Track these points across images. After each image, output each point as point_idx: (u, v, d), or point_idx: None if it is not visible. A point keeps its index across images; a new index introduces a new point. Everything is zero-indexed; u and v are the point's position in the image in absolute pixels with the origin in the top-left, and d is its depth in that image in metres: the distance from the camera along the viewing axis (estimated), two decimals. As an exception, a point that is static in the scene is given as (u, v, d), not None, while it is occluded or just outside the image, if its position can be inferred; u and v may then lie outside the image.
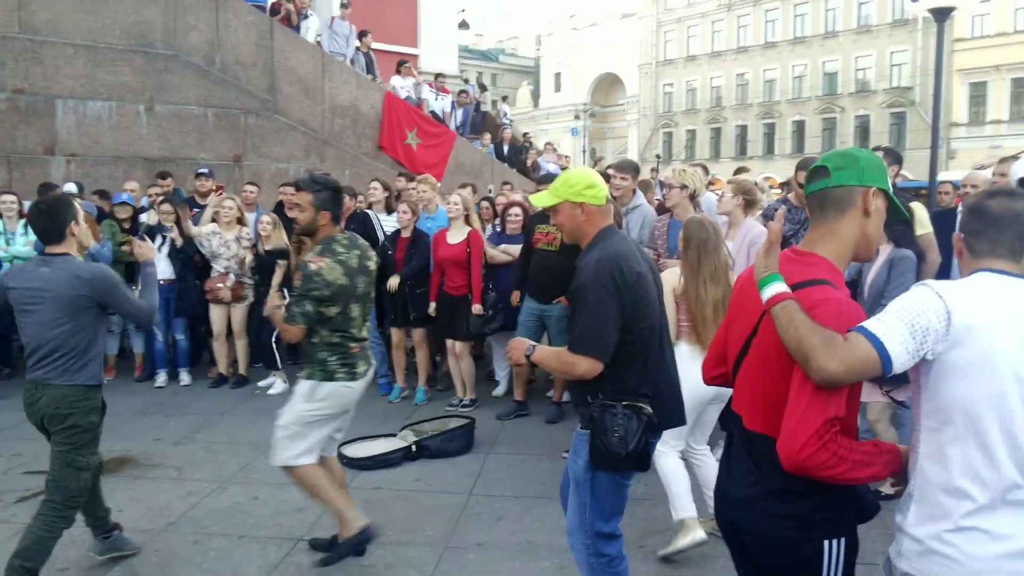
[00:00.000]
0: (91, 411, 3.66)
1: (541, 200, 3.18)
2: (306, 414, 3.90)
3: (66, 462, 3.61)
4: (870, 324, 1.86)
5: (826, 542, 2.00)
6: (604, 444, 2.90)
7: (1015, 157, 5.74)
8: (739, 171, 7.59)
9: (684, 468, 4.25)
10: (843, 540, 2.02)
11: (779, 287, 1.97)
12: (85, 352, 3.60)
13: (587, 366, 2.86)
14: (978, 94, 38.92)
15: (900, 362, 1.82)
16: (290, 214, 7.07)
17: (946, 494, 1.84)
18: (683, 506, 4.12)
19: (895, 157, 4.31)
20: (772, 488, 2.03)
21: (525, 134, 18.37)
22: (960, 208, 6.70)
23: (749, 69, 48.44)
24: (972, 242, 2.00)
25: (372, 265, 4.03)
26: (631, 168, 6.48)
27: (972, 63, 36.13)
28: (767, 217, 5.23)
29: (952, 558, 1.82)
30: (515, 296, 6.69)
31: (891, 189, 2.08)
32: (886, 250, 4.69)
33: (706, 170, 7.21)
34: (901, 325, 1.82)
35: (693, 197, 5.62)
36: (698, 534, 4.06)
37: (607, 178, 6.54)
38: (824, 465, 1.84)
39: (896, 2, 41.43)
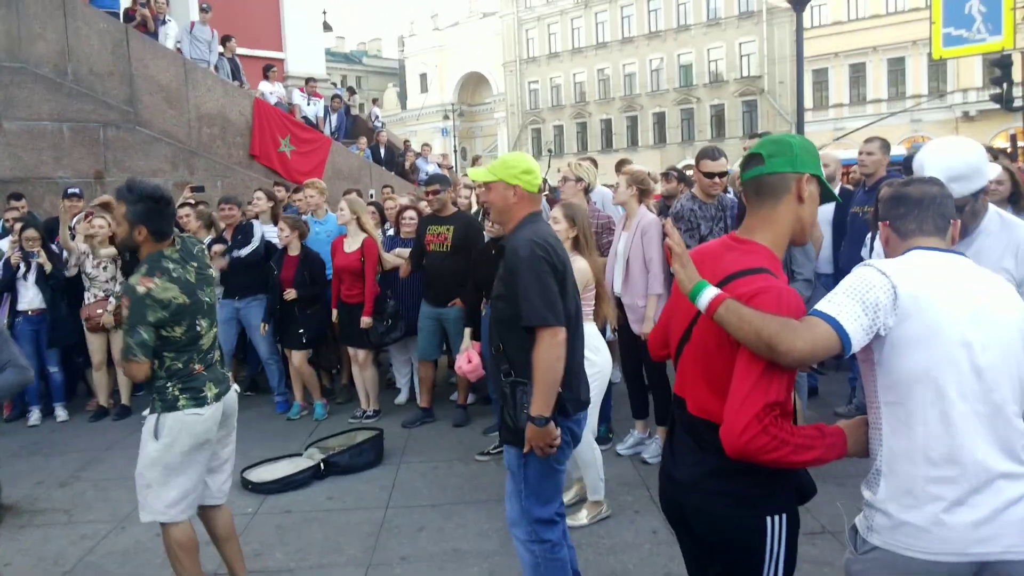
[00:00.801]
0: None
1: (477, 174, 3.23)
2: (157, 456, 3.35)
3: None
4: (823, 306, 1.93)
5: (768, 518, 2.05)
6: (512, 419, 2.98)
7: (877, 138, 6.11)
8: (621, 164, 7.75)
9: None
10: (784, 516, 2.07)
11: (711, 292, 2.00)
12: None
13: (557, 337, 2.90)
14: (820, 80, 41.51)
15: (857, 339, 1.90)
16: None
17: (913, 465, 1.91)
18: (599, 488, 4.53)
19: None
20: (713, 467, 2.07)
21: (406, 141, 18.20)
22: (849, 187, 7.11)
23: (609, 64, 49.81)
24: (899, 225, 2.13)
25: (214, 272, 3.68)
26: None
27: (814, 51, 38.41)
28: (678, 218, 5.36)
29: (923, 528, 1.89)
30: (404, 267, 6.59)
31: (822, 174, 2.15)
32: None
33: (595, 164, 7.32)
34: (853, 303, 1.91)
35: (587, 189, 5.72)
36: (603, 512, 4.56)
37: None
38: (765, 448, 1.88)
39: (742, -5, 43.64)
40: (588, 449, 4.40)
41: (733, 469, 2.01)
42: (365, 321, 6.50)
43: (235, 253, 6.95)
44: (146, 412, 3.46)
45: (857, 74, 40.88)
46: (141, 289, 3.23)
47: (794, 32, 9.99)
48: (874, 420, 2.02)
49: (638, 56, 48.48)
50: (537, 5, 52.59)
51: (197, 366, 3.43)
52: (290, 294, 6.66)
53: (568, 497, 4.69)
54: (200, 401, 3.41)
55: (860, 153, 6.05)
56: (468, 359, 5.48)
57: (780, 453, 1.89)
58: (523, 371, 2.97)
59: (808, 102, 40.21)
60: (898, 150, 12.88)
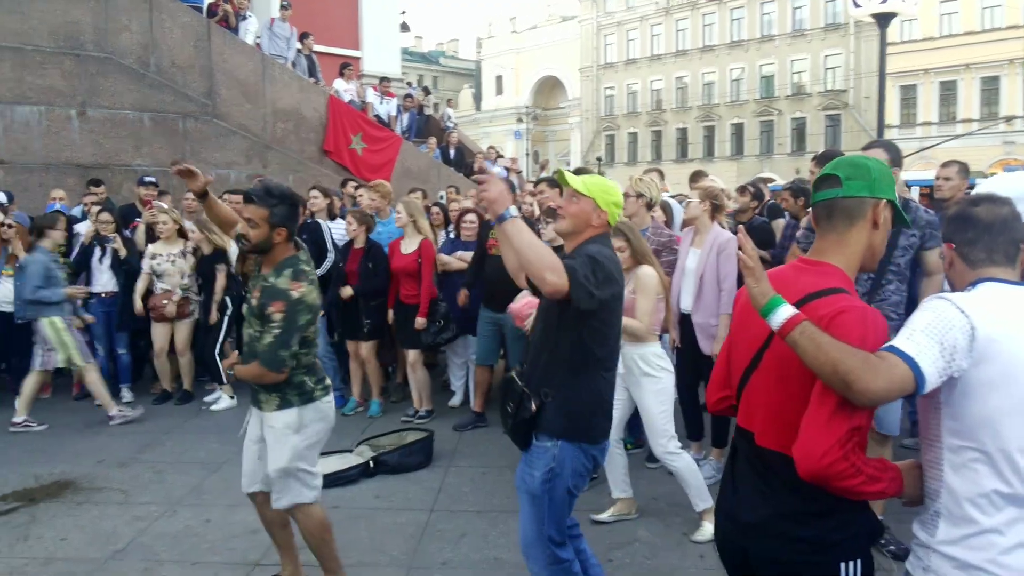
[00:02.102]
0: None
1: (573, 180, 3.08)
2: (304, 447, 3.53)
3: None
4: (902, 343, 1.81)
5: (842, 564, 1.94)
6: (504, 411, 3.10)
7: (956, 162, 5.80)
8: (696, 176, 7.56)
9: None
10: (859, 561, 1.96)
11: (787, 311, 1.87)
12: None
13: (557, 279, 2.64)
14: (908, 96, 40.13)
15: (931, 383, 1.79)
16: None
17: (977, 509, 1.81)
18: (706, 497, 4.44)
19: (896, 157, 4.16)
20: (787, 509, 1.97)
21: (490, 147, 18.23)
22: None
23: (688, 72, 49.14)
24: (966, 251, 1.99)
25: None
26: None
27: (903, 66, 37.21)
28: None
29: (982, 568, 1.80)
30: (463, 295, 6.57)
31: (897, 199, 2.05)
32: None
33: (661, 175, 7.17)
34: (931, 343, 1.79)
35: (650, 206, 5.59)
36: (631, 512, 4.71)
37: (558, 185, 6.49)
38: (843, 475, 1.79)
39: (830, 6, 42.55)
40: (617, 453, 4.62)
41: (810, 512, 1.92)
42: (419, 322, 6.49)
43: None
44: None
45: (948, 92, 39.37)
46: (295, 294, 3.34)
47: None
48: (933, 459, 1.90)
49: (718, 65, 47.71)
50: (617, 11, 52.25)
51: (315, 359, 3.64)
52: (346, 292, 6.71)
53: (606, 516, 4.67)
54: (327, 389, 3.65)
55: (937, 177, 5.75)
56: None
57: (855, 482, 1.80)
58: (542, 386, 2.98)
59: (895, 119, 39.01)
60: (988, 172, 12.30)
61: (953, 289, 2.04)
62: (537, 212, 7.54)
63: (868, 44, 39.67)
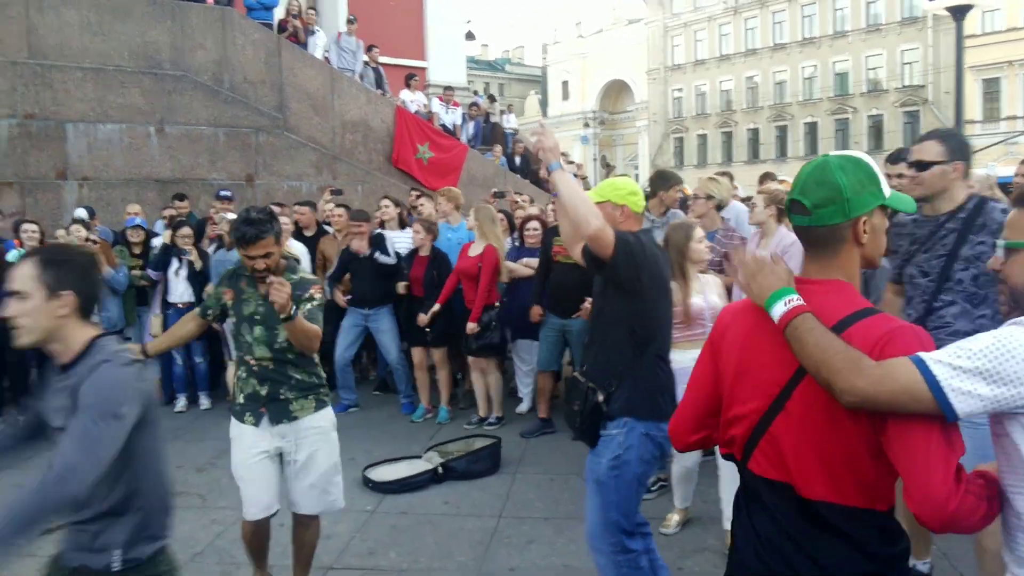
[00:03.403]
0: None
1: (593, 196, 3.28)
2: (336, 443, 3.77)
3: None
4: (930, 356, 1.62)
5: None
6: (570, 411, 3.23)
7: None
8: (764, 178, 7.41)
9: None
10: None
11: (791, 300, 1.76)
12: None
13: (600, 224, 2.85)
14: (991, 90, 38.59)
15: (963, 405, 1.58)
16: (354, 245, 7.01)
17: None
18: None
19: (958, 149, 3.90)
20: (869, 570, 1.74)
21: (565, 155, 18.15)
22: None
23: (758, 72, 48.24)
24: None
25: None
26: (678, 179, 6.39)
27: (984, 59, 35.80)
28: None
29: None
30: (535, 311, 6.56)
31: (886, 193, 1.83)
32: None
33: (731, 178, 7.04)
34: (974, 363, 1.59)
35: (719, 207, 5.51)
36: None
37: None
38: (973, 509, 1.62)
39: (906, 0, 41.22)
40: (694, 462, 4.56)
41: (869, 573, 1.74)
42: (470, 327, 6.52)
43: (377, 256, 7.07)
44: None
45: (1034, 83, 37.78)
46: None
47: (963, 40, 9.27)
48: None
49: (790, 63, 46.70)
50: (684, 12, 51.68)
51: None
52: (400, 288, 6.86)
53: (671, 526, 4.58)
54: None
55: (1016, 175, 5.47)
56: None
57: (984, 510, 1.64)
58: (606, 378, 3.08)
59: (976, 114, 37.55)
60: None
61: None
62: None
63: (947, 37, 38.24)
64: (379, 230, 7.49)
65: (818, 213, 1.80)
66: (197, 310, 3.77)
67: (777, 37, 47.37)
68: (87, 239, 7.21)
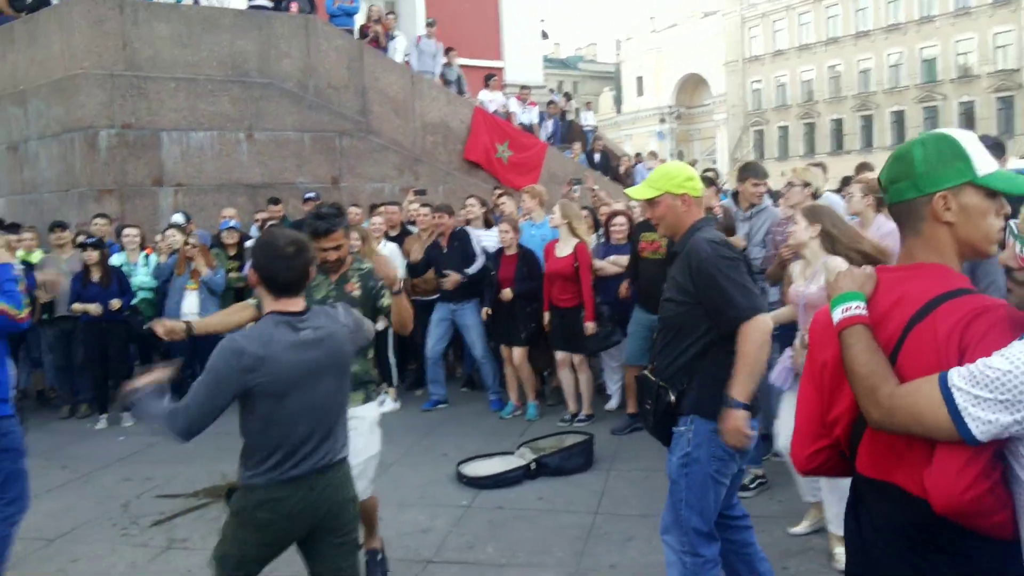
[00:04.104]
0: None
1: (640, 192, 3.20)
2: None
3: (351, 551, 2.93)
4: (956, 375, 1.52)
5: None
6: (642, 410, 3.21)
7: None
8: (861, 168, 7.15)
9: None
10: None
11: (854, 305, 1.72)
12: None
13: (761, 325, 2.90)
14: (1093, 70, 36.61)
15: (983, 430, 1.48)
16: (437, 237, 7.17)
17: None
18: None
19: (998, 149, 3.69)
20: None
21: (637, 154, 17.98)
22: None
23: (841, 60, 46.77)
24: None
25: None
26: (764, 173, 6.23)
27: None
28: None
29: None
30: (624, 287, 6.54)
31: (981, 171, 1.69)
32: None
33: (824, 169, 6.83)
34: (992, 392, 1.47)
35: (815, 196, 5.35)
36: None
37: (715, 183, 6.31)
38: (988, 510, 1.55)
39: (998, -20, 39.45)
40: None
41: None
42: (588, 327, 6.45)
43: (465, 271, 7.15)
44: (380, 400, 3.87)
45: None
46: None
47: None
48: None
49: (874, 51, 45.12)
50: (761, 2, 50.56)
51: None
52: (506, 294, 6.79)
53: (802, 528, 4.39)
54: None
55: None
56: None
57: (1001, 518, 1.55)
58: (677, 377, 3.01)
59: (1078, 95, 35.69)
60: None
61: None
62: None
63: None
64: (463, 227, 7.53)
65: (893, 188, 1.75)
66: (252, 300, 3.86)
67: (860, 24, 45.82)
68: (186, 242, 7.45)
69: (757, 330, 2.88)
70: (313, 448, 2.72)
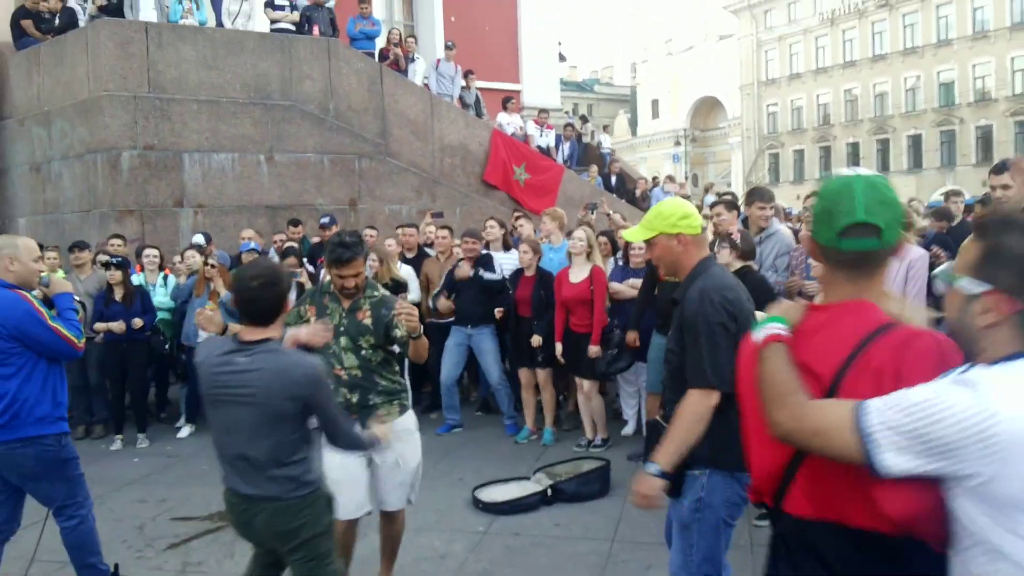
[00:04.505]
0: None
1: (634, 235, 3.17)
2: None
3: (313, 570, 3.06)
4: (873, 404, 1.53)
5: None
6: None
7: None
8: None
9: None
10: None
11: (775, 328, 1.77)
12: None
13: (709, 400, 2.80)
14: (1113, 95, 36.41)
15: (892, 465, 1.49)
16: (459, 270, 7.20)
17: None
18: None
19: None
20: None
21: (654, 178, 18.07)
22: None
23: (858, 84, 46.70)
24: (1018, 300, 1.49)
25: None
26: (771, 196, 6.23)
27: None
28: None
29: None
30: (631, 336, 6.42)
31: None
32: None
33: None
34: (901, 426, 1.48)
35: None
36: None
37: (735, 206, 6.29)
38: (925, 531, 1.59)
39: (1016, 4, 39.34)
40: None
41: None
42: (592, 350, 6.44)
43: (482, 275, 7.16)
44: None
45: None
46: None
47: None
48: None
49: (891, 74, 45.03)
50: (778, 25, 50.64)
51: None
52: (497, 313, 6.85)
53: None
54: None
55: (994, 186, 4.54)
56: None
57: (940, 536, 1.56)
58: None
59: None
60: None
61: (967, 352, 1.61)
62: (711, 235, 7.37)
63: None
64: (485, 251, 7.56)
65: (889, 233, 1.73)
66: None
67: (877, 48, 45.80)
68: (205, 263, 7.51)
69: (702, 403, 2.80)
70: (229, 470, 2.98)
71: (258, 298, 2.87)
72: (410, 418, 4.00)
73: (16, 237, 4.19)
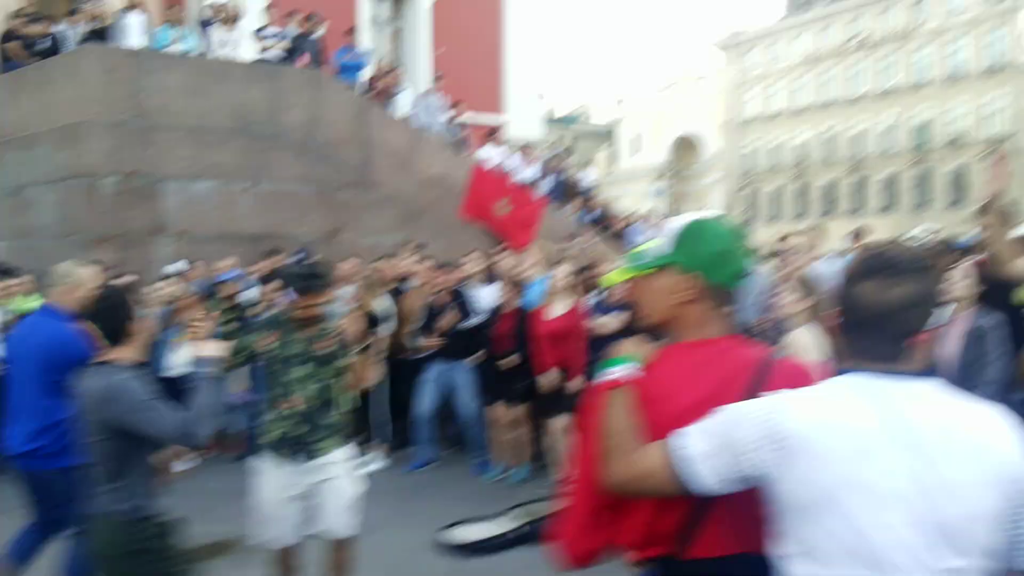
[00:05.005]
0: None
1: (614, 278, 3.25)
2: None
3: None
4: (689, 428, 1.65)
5: None
6: None
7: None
8: (859, 233, 7.27)
9: None
10: None
11: (620, 371, 1.81)
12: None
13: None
14: (1082, 141, 37.25)
15: (709, 479, 1.61)
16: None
17: None
18: None
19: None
20: None
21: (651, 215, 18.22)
22: None
23: (835, 123, 47.55)
24: (851, 339, 1.65)
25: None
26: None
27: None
28: None
29: None
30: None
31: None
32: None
33: (822, 233, 6.93)
34: (711, 438, 1.61)
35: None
36: None
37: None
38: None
39: (991, 48, 40.32)
40: None
41: None
42: (575, 385, 6.46)
43: (464, 324, 7.20)
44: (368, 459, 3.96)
45: None
46: None
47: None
48: None
49: (868, 115, 45.93)
50: (758, 64, 51.53)
51: None
52: (510, 361, 6.81)
53: None
54: None
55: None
56: None
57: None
58: None
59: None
60: None
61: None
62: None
63: (1034, 87, 37.22)
64: (456, 287, 7.58)
65: (713, 267, 1.86)
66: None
67: (854, 88, 46.71)
68: (171, 295, 7.45)
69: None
70: None
71: (97, 317, 3.08)
72: (348, 450, 4.16)
73: (78, 265, 4.21)
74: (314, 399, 3.90)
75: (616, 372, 1.79)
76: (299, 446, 3.90)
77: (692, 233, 1.85)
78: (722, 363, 1.81)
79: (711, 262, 1.83)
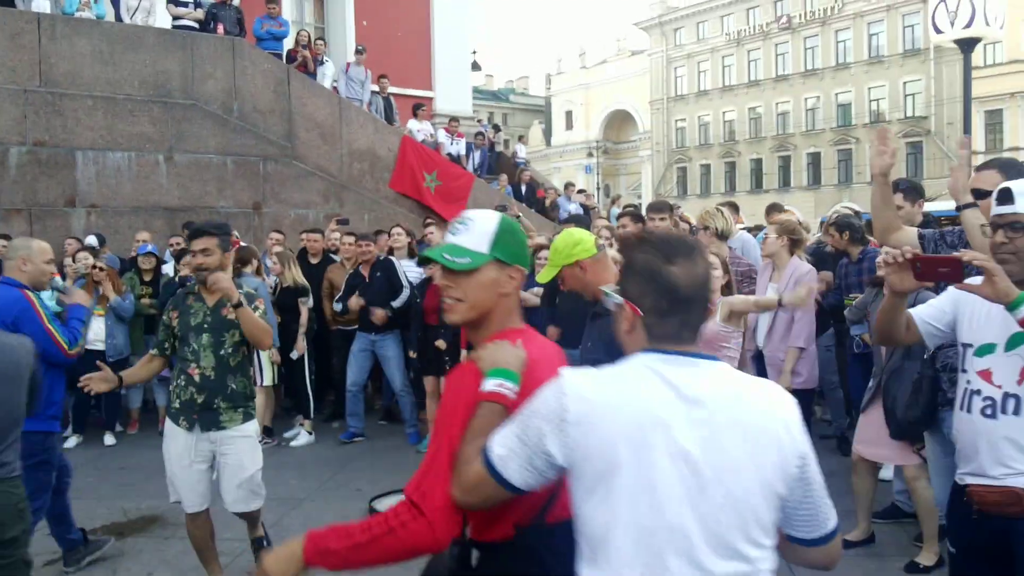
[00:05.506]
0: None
1: (545, 276, 3.44)
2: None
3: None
4: (496, 434, 1.65)
5: None
6: None
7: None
8: (772, 210, 7.41)
9: None
10: None
11: (513, 389, 1.77)
12: None
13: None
14: (994, 122, 38.85)
15: (519, 478, 1.59)
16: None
17: None
18: None
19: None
20: None
21: (571, 185, 18.31)
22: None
23: (761, 103, 48.58)
24: (653, 324, 1.63)
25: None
26: (667, 208, 6.37)
27: (987, 91, 36.03)
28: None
29: None
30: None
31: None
32: None
33: (736, 208, 7.03)
34: (508, 438, 1.62)
35: (722, 236, 5.47)
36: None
37: (640, 219, 6.42)
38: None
39: (908, 32, 41.63)
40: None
41: None
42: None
43: (392, 304, 7.14)
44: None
45: (1037, 114, 37.95)
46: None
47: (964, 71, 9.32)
48: None
49: (792, 94, 47.02)
50: (687, 43, 52.17)
51: None
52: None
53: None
54: None
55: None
56: None
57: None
58: None
59: (980, 144, 37.72)
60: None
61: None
62: (615, 245, 7.51)
63: (950, 69, 38.59)
64: (388, 256, 7.51)
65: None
66: (154, 349, 4.18)
67: (780, 69, 47.73)
68: (93, 266, 7.21)
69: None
70: None
71: None
72: (252, 426, 4.08)
73: (31, 239, 4.37)
74: (210, 368, 3.90)
75: (500, 387, 1.73)
76: (199, 414, 3.91)
77: (506, 229, 1.89)
78: (545, 346, 1.90)
79: (523, 254, 1.93)
